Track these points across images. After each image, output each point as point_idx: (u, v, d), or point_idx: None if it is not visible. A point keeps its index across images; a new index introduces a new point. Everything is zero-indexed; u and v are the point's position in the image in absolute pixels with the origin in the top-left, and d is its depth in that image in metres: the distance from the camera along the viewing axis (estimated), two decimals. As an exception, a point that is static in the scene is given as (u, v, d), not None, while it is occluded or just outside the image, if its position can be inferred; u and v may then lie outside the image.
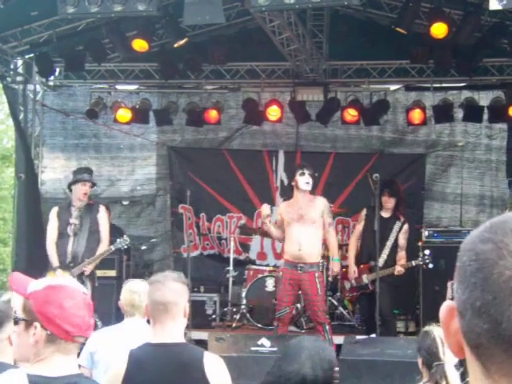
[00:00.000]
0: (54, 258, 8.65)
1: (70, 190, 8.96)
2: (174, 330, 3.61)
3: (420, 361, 4.06)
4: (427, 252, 9.15)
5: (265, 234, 11.78)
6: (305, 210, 8.52)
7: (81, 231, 8.65)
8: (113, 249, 8.69)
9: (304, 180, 8.50)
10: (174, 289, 3.63)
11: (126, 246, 8.87)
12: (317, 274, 8.48)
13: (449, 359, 3.92)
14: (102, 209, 8.96)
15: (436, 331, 4.02)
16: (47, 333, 2.44)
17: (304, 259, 8.44)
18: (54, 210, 8.88)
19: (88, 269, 8.50)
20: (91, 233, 8.70)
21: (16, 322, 2.53)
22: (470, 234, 1.07)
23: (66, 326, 2.43)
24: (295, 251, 8.48)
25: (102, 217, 8.83)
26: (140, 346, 3.64)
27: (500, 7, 7.68)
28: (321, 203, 8.65)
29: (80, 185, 8.76)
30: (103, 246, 8.72)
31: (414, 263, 9.12)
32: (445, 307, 1.10)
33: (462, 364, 4.05)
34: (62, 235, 8.68)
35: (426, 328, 4.12)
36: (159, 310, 3.59)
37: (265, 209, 8.69)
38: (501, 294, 0.98)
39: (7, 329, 3.28)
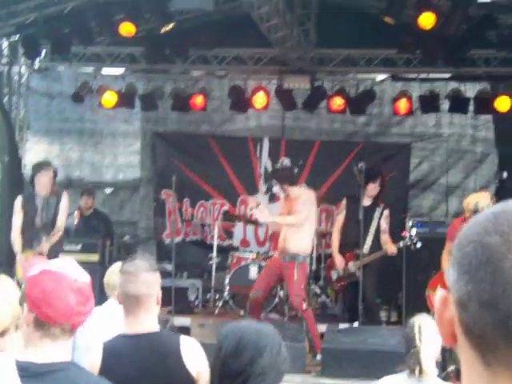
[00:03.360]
0: (16, 244, 8.79)
1: (32, 182, 9.00)
2: (147, 321, 3.53)
3: (404, 349, 4.10)
4: (413, 232, 9.06)
5: (247, 221, 11.79)
6: (291, 205, 8.68)
7: (47, 220, 8.80)
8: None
9: (281, 192, 9.10)
10: (147, 281, 3.52)
11: None
12: (296, 263, 8.58)
13: (425, 346, 3.95)
14: (65, 196, 9.07)
15: (417, 320, 4.06)
16: (34, 316, 2.45)
17: (288, 250, 8.63)
18: (19, 200, 8.94)
19: (44, 247, 8.60)
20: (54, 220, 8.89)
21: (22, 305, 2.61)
22: (472, 224, 1.05)
23: (47, 309, 2.43)
24: (281, 243, 8.75)
25: (63, 206, 8.95)
26: (113, 338, 3.56)
27: (488, 0, 7.69)
28: (301, 195, 8.80)
29: (40, 175, 8.83)
30: (58, 232, 8.88)
31: (401, 244, 9.03)
32: (439, 297, 1.09)
33: (441, 353, 4.07)
34: (28, 224, 8.79)
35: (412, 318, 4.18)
36: (131, 302, 3.50)
37: (252, 202, 9.12)
38: (510, 288, 0.97)
39: None
